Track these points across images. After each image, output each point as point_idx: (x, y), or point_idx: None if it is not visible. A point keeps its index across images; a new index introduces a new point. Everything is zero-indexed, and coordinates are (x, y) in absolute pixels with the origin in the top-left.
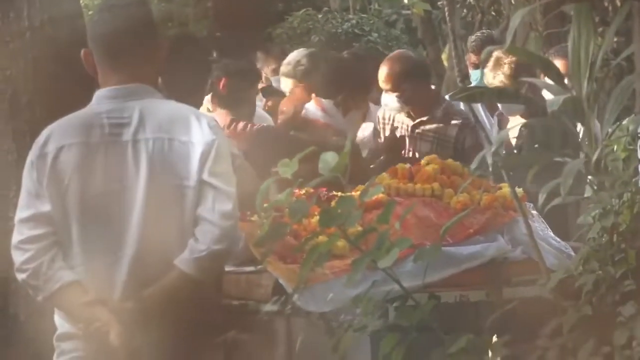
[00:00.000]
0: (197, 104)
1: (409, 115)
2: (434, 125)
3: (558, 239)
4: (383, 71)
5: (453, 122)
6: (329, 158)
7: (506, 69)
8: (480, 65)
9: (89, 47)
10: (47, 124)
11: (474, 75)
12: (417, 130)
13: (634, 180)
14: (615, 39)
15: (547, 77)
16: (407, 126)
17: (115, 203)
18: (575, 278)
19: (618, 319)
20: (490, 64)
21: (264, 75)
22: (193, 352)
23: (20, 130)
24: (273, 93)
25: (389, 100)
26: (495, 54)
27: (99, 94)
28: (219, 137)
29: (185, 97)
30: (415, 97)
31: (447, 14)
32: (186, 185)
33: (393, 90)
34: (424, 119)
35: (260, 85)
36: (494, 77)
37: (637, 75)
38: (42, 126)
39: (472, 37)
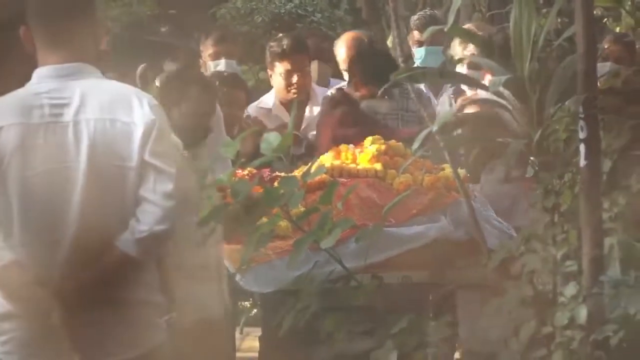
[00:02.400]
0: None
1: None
2: (384, 102)
3: (500, 220)
4: (342, 52)
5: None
6: (272, 138)
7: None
8: (424, 44)
9: (27, 24)
10: None
11: (418, 53)
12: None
13: (574, 160)
14: (559, 20)
15: (489, 57)
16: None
17: (56, 184)
18: (517, 258)
19: (559, 300)
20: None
21: (202, 59)
22: (133, 332)
23: None
24: (231, 83)
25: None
26: (467, 25)
27: (38, 72)
28: (160, 117)
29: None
30: None
31: None
32: (127, 166)
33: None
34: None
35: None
36: (464, 49)
37: (578, 56)
38: None
39: (415, 16)
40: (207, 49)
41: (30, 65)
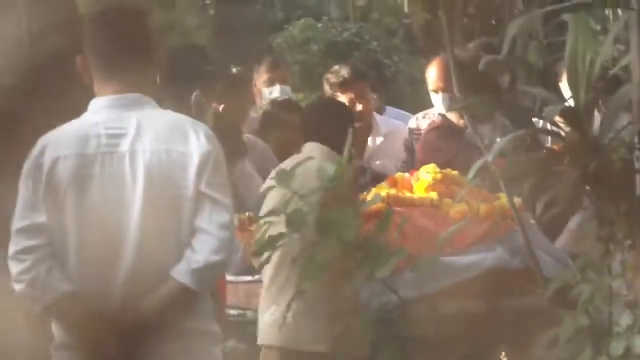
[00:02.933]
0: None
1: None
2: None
3: (557, 249)
4: (436, 71)
5: None
6: (329, 168)
7: None
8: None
9: (84, 54)
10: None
11: None
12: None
13: (631, 190)
14: (616, 48)
15: (544, 87)
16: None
17: (112, 214)
18: (572, 287)
19: (615, 330)
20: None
21: (257, 87)
22: None
23: (22, 142)
24: (289, 107)
25: (447, 100)
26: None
27: (95, 103)
28: (216, 148)
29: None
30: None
31: (444, 23)
32: (183, 196)
33: (449, 90)
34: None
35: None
36: None
37: (634, 85)
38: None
39: (470, 44)
40: (260, 76)
41: (86, 95)
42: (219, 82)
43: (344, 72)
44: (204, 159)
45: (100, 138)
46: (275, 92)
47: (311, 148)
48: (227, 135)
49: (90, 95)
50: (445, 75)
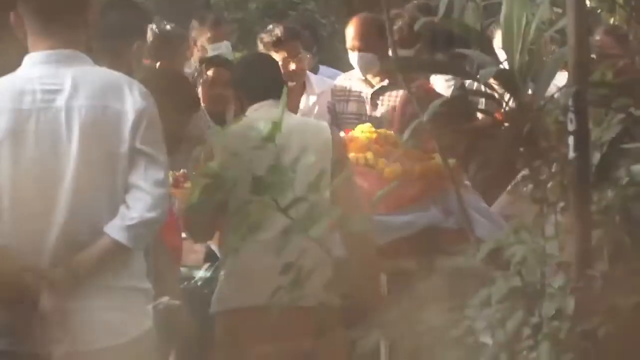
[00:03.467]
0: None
1: (366, 82)
2: (396, 90)
3: (490, 210)
4: (353, 29)
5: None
6: (262, 126)
7: None
8: None
9: (18, 9)
10: None
11: None
12: (379, 97)
13: (563, 152)
14: (552, 11)
15: (479, 49)
16: (366, 94)
17: (46, 169)
18: (506, 249)
19: (547, 291)
20: None
21: (199, 44)
22: (122, 319)
23: None
24: (217, 62)
25: (363, 59)
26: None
27: (30, 58)
28: (150, 105)
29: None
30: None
31: None
32: (118, 153)
33: (365, 49)
34: (385, 84)
35: (195, 54)
36: None
37: (568, 48)
38: None
39: (410, 4)
40: (202, 33)
41: (18, 51)
42: (155, 39)
43: (278, 31)
44: (139, 116)
45: (36, 94)
46: (223, 48)
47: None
48: (177, 89)
49: (22, 52)
50: (362, 34)
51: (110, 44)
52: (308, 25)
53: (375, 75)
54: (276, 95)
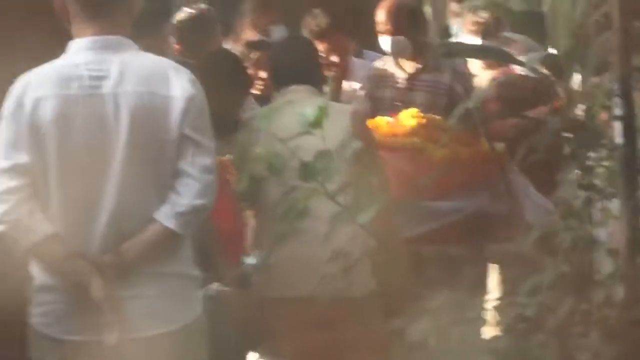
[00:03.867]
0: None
1: (399, 67)
2: (427, 74)
3: (540, 195)
4: (384, 12)
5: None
6: (308, 112)
7: None
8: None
9: None
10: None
11: (454, 26)
12: (414, 81)
13: (610, 138)
14: None
15: (526, 33)
16: (401, 79)
17: (95, 156)
18: (554, 234)
19: (596, 277)
20: None
21: (242, 27)
22: (173, 305)
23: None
24: (262, 46)
25: (396, 44)
26: None
27: (75, 44)
28: (199, 92)
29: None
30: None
31: None
32: (166, 139)
33: (397, 32)
34: (420, 67)
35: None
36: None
37: (613, 32)
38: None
39: None
40: (261, 18)
41: (56, 36)
42: (187, 20)
43: (322, 21)
44: (188, 103)
45: (83, 79)
46: (282, 31)
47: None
48: (233, 70)
49: (59, 38)
50: (394, 17)
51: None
52: (354, 7)
53: (408, 60)
54: (309, 80)
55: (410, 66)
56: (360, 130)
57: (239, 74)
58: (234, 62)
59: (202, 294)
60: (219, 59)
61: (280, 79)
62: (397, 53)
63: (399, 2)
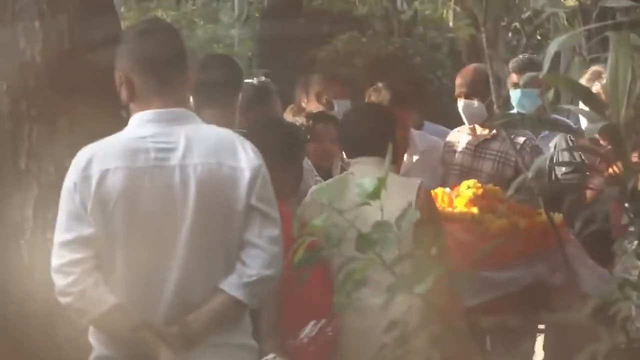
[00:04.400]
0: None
1: (470, 133)
2: (497, 143)
3: (596, 265)
4: (461, 76)
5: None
6: (366, 184)
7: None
8: (519, 87)
9: (123, 69)
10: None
11: (514, 95)
12: (480, 149)
13: None
14: None
15: (586, 104)
16: (471, 145)
17: (162, 227)
18: (611, 304)
19: None
20: (587, 76)
21: (301, 98)
22: None
23: (60, 153)
24: (325, 118)
25: (469, 107)
26: (593, 68)
27: (140, 117)
28: (263, 163)
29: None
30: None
31: (484, 39)
32: (234, 210)
33: (470, 96)
34: (488, 136)
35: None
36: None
37: None
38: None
39: (515, 59)
40: (330, 88)
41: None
42: (249, 90)
43: (385, 95)
44: (255, 174)
45: (149, 152)
46: (347, 105)
47: (363, 162)
48: (289, 137)
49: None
50: (469, 81)
51: (215, 97)
52: (414, 80)
53: (482, 126)
54: (378, 152)
55: (483, 133)
56: (425, 202)
57: (295, 141)
58: (291, 129)
59: None
60: (269, 128)
61: (350, 150)
62: (471, 117)
63: (477, 67)
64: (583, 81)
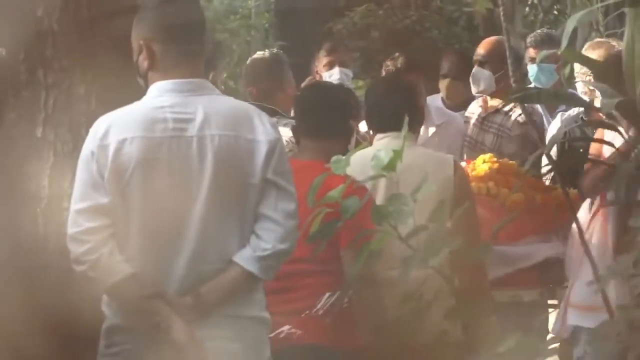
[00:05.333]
0: None
1: (482, 105)
2: (499, 117)
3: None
4: (480, 46)
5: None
6: (382, 155)
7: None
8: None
9: (145, 37)
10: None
11: (531, 70)
12: (486, 122)
13: None
14: None
15: (601, 81)
16: (479, 117)
17: (177, 198)
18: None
19: None
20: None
21: (315, 70)
22: (247, 348)
23: (77, 122)
24: None
25: (478, 74)
26: (597, 40)
27: (159, 86)
28: (280, 136)
29: None
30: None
31: (501, 13)
32: (249, 183)
33: (483, 65)
34: (492, 110)
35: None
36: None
37: None
38: (97, 118)
39: (532, 34)
40: (320, 61)
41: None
42: (255, 64)
43: (400, 61)
44: (272, 147)
45: (167, 122)
46: (335, 74)
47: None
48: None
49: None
50: (485, 51)
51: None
52: (431, 53)
53: (492, 97)
54: (399, 127)
55: (492, 105)
56: (462, 178)
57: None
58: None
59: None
60: (327, 89)
61: (375, 125)
62: (478, 84)
63: (499, 39)
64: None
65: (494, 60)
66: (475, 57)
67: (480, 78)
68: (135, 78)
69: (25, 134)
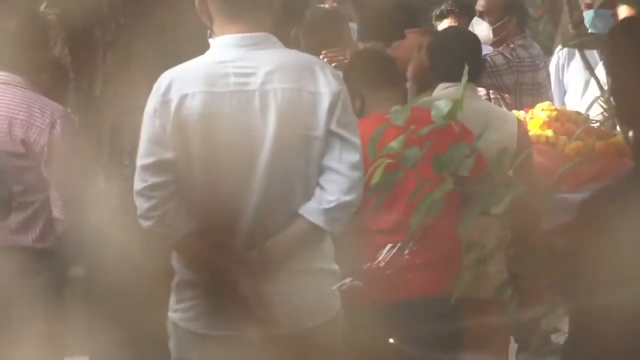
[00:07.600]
0: None
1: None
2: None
3: None
4: None
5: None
6: (442, 105)
7: None
8: (593, 7)
9: None
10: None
11: (587, 16)
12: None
13: None
14: None
15: None
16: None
17: (241, 152)
18: None
19: None
20: None
21: None
22: (315, 301)
23: (135, 79)
24: None
25: (479, 26)
26: None
27: (221, 41)
28: (344, 87)
29: None
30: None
31: None
32: (313, 135)
33: (487, 15)
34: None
35: None
36: None
37: None
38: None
39: None
40: None
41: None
42: (315, 19)
43: (444, 5)
44: (335, 99)
45: (229, 77)
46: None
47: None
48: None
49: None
50: (487, 2)
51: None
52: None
53: (492, 47)
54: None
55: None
56: (525, 135)
57: (393, 70)
58: (387, 59)
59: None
60: (370, 58)
61: (438, 74)
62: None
63: None
64: None
65: (493, 11)
66: (476, 8)
67: (478, 28)
68: (192, 34)
69: (85, 92)
